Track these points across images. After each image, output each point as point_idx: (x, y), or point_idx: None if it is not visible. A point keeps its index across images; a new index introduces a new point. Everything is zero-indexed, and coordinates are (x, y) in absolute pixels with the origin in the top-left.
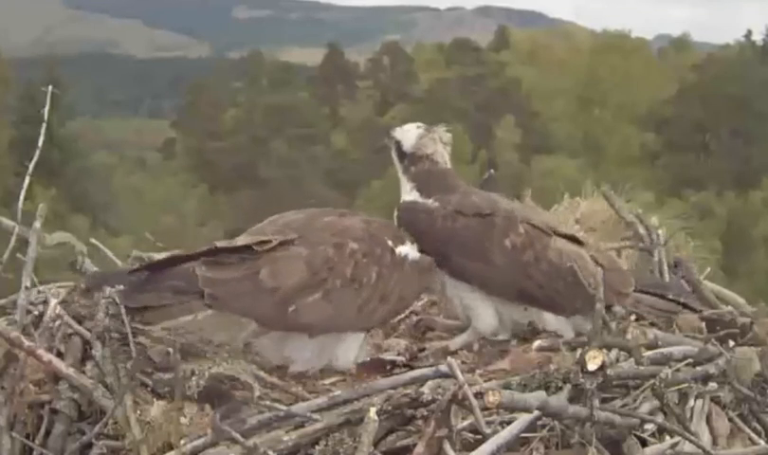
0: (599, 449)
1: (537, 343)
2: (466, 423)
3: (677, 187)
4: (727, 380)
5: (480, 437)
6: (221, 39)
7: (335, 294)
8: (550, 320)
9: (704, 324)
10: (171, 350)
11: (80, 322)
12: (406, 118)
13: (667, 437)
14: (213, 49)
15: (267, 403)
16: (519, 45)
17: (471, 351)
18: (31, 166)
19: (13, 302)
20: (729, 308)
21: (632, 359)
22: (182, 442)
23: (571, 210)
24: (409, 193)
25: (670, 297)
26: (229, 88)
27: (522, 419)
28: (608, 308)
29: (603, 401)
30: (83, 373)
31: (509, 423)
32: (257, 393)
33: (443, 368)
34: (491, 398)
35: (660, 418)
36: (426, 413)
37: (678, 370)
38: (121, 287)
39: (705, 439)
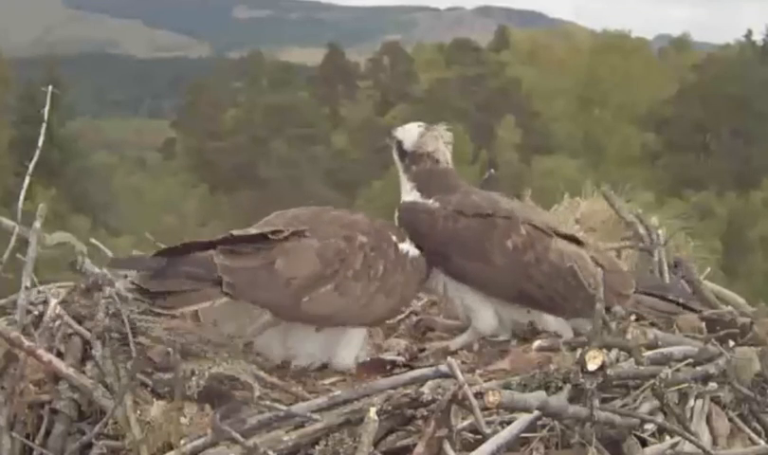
0: (599, 449)
1: (537, 343)
2: (466, 423)
3: (677, 187)
4: (727, 380)
5: (480, 437)
6: (221, 39)
7: (345, 286)
8: (550, 322)
9: (703, 324)
10: (171, 350)
11: (80, 322)
12: (406, 119)
13: (667, 437)
14: (213, 49)
15: (267, 403)
16: (519, 45)
17: (471, 351)
18: (31, 166)
19: (13, 302)
20: (729, 308)
21: (632, 359)
22: (182, 442)
23: (571, 210)
24: (409, 193)
25: (670, 298)
26: (229, 88)
27: (522, 419)
28: (608, 309)
29: (603, 401)
30: (83, 373)
31: (509, 423)
32: (257, 393)
33: (443, 368)
34: (491, 398)
35: (660, 418)
36: (426, 413)
37: (678, 370)
38: (143, 272)
39: (705, 439)
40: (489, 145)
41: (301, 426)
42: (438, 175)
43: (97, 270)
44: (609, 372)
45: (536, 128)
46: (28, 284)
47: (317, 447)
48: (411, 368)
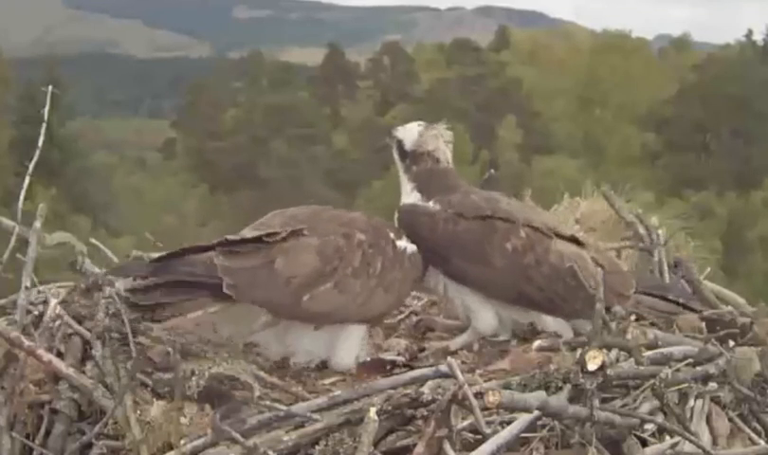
0: (599, 449)
1: (537, 343)
2: (466, 423)
3: (677, 187)
4: (727, 380)
5: (480, 437)
6: (221, 39)
7: (344, 283)
8: (550, 322)
9: (704, 324)
10: (171, 350)
11: (80, 322)
12: (406, 119)
13: (667, 437)
14: (214, 49)
15: (267, 403)
16: (519, 45)
17: (471, 351)
18: (31, 166)
19: (13, 302)
20: (729, 308)
21: (632, 359)
22: (182, 442)
23: (571, 210)
24: (409, 195)
25: (670, 298)
26: (229, 88)
27: (522, 419)
28: (608, 309)
29: (603, 401)
30: (83, 373)
31: (509, 423)
32: (257, 393)
33: (443, 368)
34: (491, 398)
35: (660, 418)
36: (426, 413)
37: (678, 370)
38: (132, 283)
39: (705, 439)
40: (490, 145)
41: (301, 426)
42: (438, 175)
43: (97, 270)
44: (609, 372)
45: (536, 128)
46: (28, 284)
47: (317, 447)
48: (411, 368)
